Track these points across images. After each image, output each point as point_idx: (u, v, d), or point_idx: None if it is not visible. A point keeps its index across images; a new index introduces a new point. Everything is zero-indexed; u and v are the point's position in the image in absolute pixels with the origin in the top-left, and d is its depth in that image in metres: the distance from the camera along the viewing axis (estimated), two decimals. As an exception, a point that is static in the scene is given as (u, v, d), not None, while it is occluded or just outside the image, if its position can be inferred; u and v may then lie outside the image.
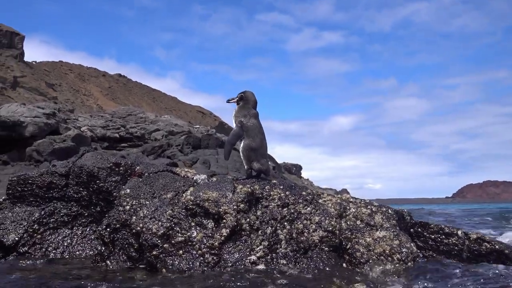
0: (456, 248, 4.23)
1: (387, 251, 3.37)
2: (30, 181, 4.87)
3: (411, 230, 4.45)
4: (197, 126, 27.33)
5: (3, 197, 5.00)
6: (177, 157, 12.25)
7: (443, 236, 4.29)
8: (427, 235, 4.38)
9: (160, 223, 3.71)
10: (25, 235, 4.53)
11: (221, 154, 12.55)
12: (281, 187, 4.05)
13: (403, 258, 3.30)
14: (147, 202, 4.04)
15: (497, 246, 4.04)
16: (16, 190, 4.87)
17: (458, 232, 4.26)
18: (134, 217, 3.87)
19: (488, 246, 4.09)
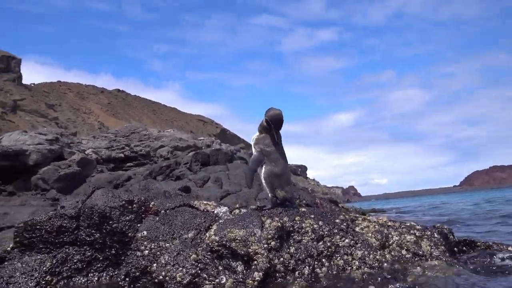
0: (508, 267, 3.85)
1: (443, 286, 2.99)
2: (38, 227, 4.53)
3: (455, 249, 4.09)
4: (201, 138, 26.99)
5: (11, 245, 4.66)
6: (186, 176, 11.91)
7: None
8: (474, 254, 4.01)
9: (184, 269, 3.36)
10: (37, 288, 4.18)
11: (232, 169, 12.20)
12: (312, 216, 3.70)
13: (463, 293, 2.92)
14: (167, 245, 3.69)
15: (556, 264, 3.66)
16: (24, 237, 4.53)
17: (509, 248, 3.89)
18: (155, 264, 3.52)
19: (547, 264, 3.72)
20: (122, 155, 18.75)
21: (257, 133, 4.13)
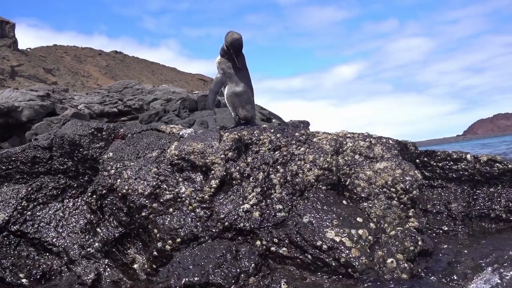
0: (466, 173, 3.96)
1: (389, 182, 3.11)
2: (13, 158, 4.65)
3: (417, 160, 4.18)
4: (196, 92, 26.92)
5: (-10, 179, 4.81)
6: (174, 122, 12.02)
7: (451, 163, 4.01)
8: (434, 164, 4.11)
9: (145, 182, 3.48)
10: (14, 213, 4.35)
11: (219, 113, 12.26)
12: (272, 130, 3.77)
13: (407, 187, 3.03)
14: (132, 164, 3.80)
15: (510, 166, 3.76)
16: (0, 169, 4.68)
17: (467, 156, 3.97)
18: (119, 180, 3.64)
19: (501, 166, 3.81)
20: (115, 109, 18.85)
21: (219, 57, 4.14)
